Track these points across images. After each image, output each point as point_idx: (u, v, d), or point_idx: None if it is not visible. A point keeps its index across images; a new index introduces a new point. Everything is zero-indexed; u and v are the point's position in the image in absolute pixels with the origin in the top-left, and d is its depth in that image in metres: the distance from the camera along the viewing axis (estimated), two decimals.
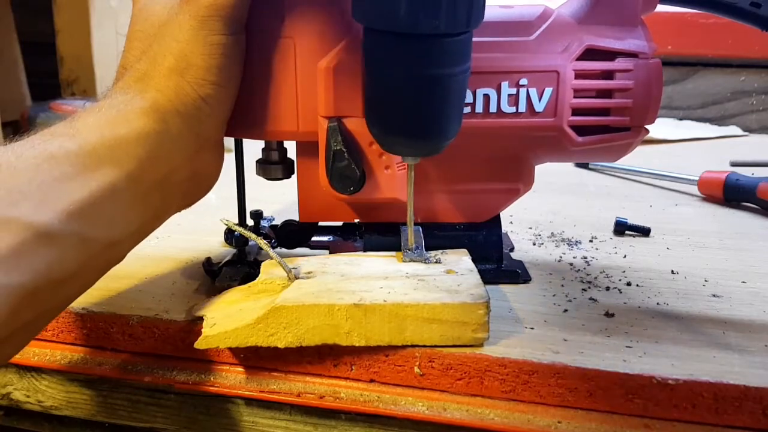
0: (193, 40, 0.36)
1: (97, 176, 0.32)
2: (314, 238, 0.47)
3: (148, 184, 0.35)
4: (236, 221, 0.44)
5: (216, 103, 0.37)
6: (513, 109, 0.40)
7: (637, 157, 0.64)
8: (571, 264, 0.48)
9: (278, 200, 0.60)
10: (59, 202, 0.30)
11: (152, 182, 0.35)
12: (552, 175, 0.71)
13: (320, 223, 0.47)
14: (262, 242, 0.40)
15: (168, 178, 0.36)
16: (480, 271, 0.40)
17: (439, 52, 0.32)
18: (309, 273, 0.40)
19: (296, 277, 0.39)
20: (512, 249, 0.51)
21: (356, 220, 0.46)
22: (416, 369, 0.36)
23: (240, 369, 0.39)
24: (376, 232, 0.45)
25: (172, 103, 0.36)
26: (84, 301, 0.41)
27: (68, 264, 0.30)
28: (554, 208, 0.62)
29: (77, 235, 0.31)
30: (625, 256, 0.50)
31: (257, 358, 0.38)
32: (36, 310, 0.30)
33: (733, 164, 0.79)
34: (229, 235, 0.46)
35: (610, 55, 0.40)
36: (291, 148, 0.45)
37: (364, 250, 0.44)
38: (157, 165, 0.35)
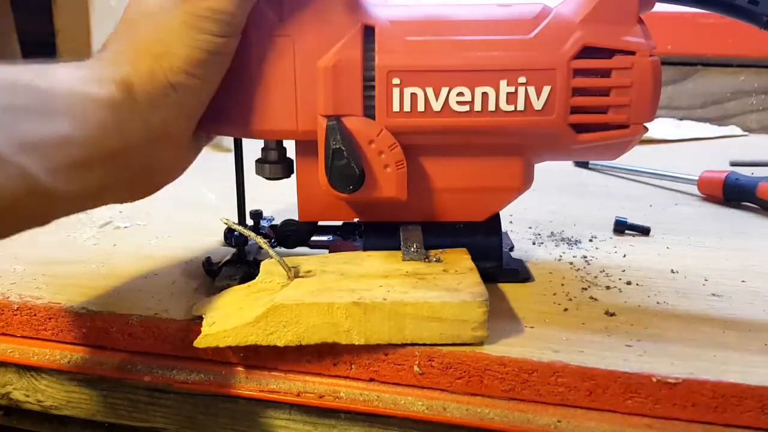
0: (179, 31, 0.36)
1: (57, 122, 0.32)
2: (314, 238, 0.47)
3: (101, 152, 0.34)
4: (236, 221, 0.44)
5: (186, 95, 0.37)
6: (512, 108, 0.40)
7: (637, 157, 0.64)
8: (571, 263, 0.48)
9: (278, 200, 0.60)
10: (14, 131, 0.30)
11: (106, 152, 0.34)
12: (552, 175, 0.71)
13: (320, 223, 0.47)
14: (262, 241, 0.40)
15: (121, 154, 0.35)
16: (480, 270, 0.40)
17: None
18: (308, 272, 0.40)
19: (296, 276, 0.39)
20: (512, 248, 0.50)
21: (356, 220, 0.46)
22: (416, 368, 0.36)
23: (239, 368, 0.39)
24: (375, 232, 0.45)
25: (143, 81, 0.35)
26: (84, 300, 0.41)
27: (4, 193, 0.30)
28: (554, 208, 0.62)
29: (21, 168, 0.30)
30: (624, 256, 0.50)
31: (257, 357, 0.38)
32: None
33: (733, 164, 0.79)
34: (229, 234, 0.46)
35: (608, 52, 0.40)
36: (290, 147, 0.45)
37: (364, 250, 0.44)
38: (115, 136, 0.35)
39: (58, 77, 0.33)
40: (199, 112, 0.39)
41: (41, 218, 0.34)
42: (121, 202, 0.40)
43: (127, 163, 0.36)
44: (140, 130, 0.36)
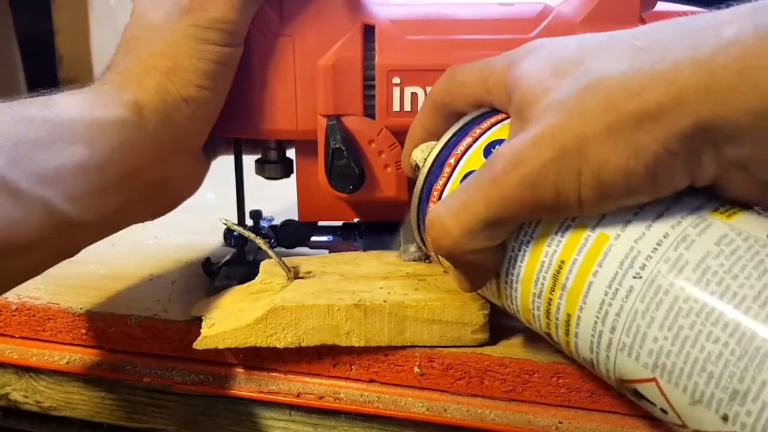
0: (185, 43, 0.35)
1: (70, 150, 0.32)
2: (314, 238, 0.47)
3: (116, 174, 0.34)
4: (235, 221, 0.44)
5: (198, 108, 0.37)
6: None
7: None
8: None
9: (278, 200, 0.60)
10: (31, 164, 0.30)
11: (120, 173, 0.34)
12: None
13: (320, 223, 0.47)
14: (261, 242, 0.40)
15: (136, 175, 0.35)
16: None
17: None
18: (308, 273, 0.40)
19: (295, 277, 0.39)
20: None
21: (356, 220, 0.46)
22: (416, 369, 0.36)
23: (239, 369, 0.39)
24: (375, 232, 0.45)
25: (152, 100, 0.35)
26: (83, 301, 0.41)
27: (30, 229, 0.30)
28: None
29: (42, 202, 0.30)
30: None
31: (256, 359, 0.38)
32: None
33: None
34: (229, 234, 0.46)
35: None
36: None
37: (364, 250, 0.44)
38: (128, 157, 0.35)
39: (62, 105, 0.33)
40: (210, 124, 0.39)
41: (68, 250, 0.34)
42: (143, 222, 0.40)
43: (143, 182, 0.36)
44: (153, 149, 0.36)
